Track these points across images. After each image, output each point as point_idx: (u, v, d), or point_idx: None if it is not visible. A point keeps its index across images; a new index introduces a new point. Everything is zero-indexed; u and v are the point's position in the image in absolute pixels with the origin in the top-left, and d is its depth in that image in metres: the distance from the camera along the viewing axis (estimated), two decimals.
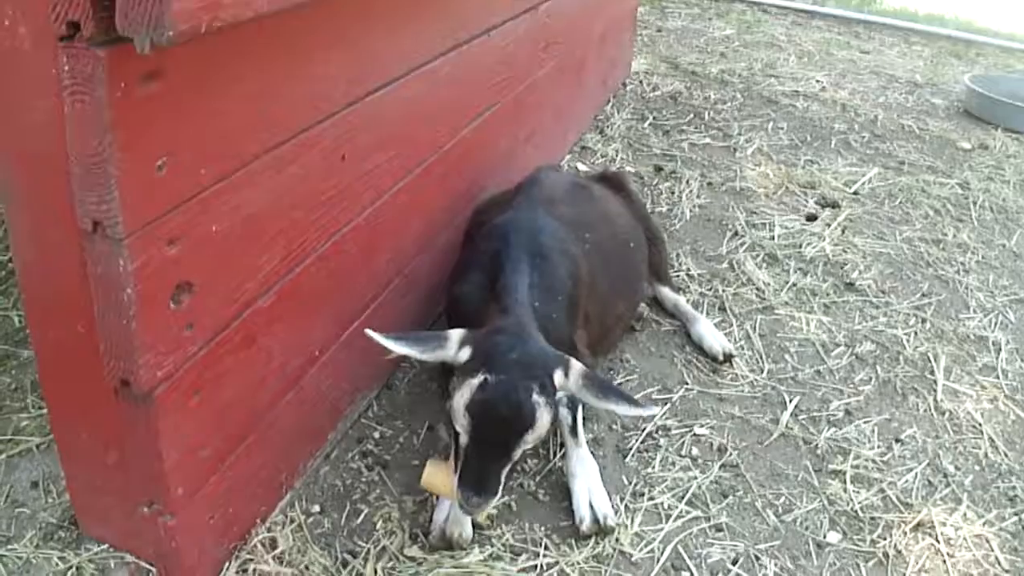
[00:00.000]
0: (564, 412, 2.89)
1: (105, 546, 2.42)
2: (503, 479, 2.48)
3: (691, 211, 4.93)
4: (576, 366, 2.56)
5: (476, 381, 2.41)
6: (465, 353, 2.52)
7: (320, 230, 2.47)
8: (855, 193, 5.41)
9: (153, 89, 1.67)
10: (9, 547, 2.42)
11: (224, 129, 1.94)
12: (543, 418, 2.44)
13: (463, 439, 2.45)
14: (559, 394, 2.54)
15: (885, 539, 2.91)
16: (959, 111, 7.13)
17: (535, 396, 2.42)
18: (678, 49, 7.88)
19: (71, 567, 2.36)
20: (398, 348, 2.48)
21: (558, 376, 2.51)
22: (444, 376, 3.17)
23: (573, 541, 2.77)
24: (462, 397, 2.42)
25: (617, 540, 2.77)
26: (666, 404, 3.39)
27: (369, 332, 2.44)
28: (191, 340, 2.03)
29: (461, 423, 2.43)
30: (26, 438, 2.77)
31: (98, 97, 1.57)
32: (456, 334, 2.56)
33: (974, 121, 6.94)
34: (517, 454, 2.48)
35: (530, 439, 2.45)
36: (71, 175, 1.69)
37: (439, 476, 2.63)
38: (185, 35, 1.44)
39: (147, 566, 2.38)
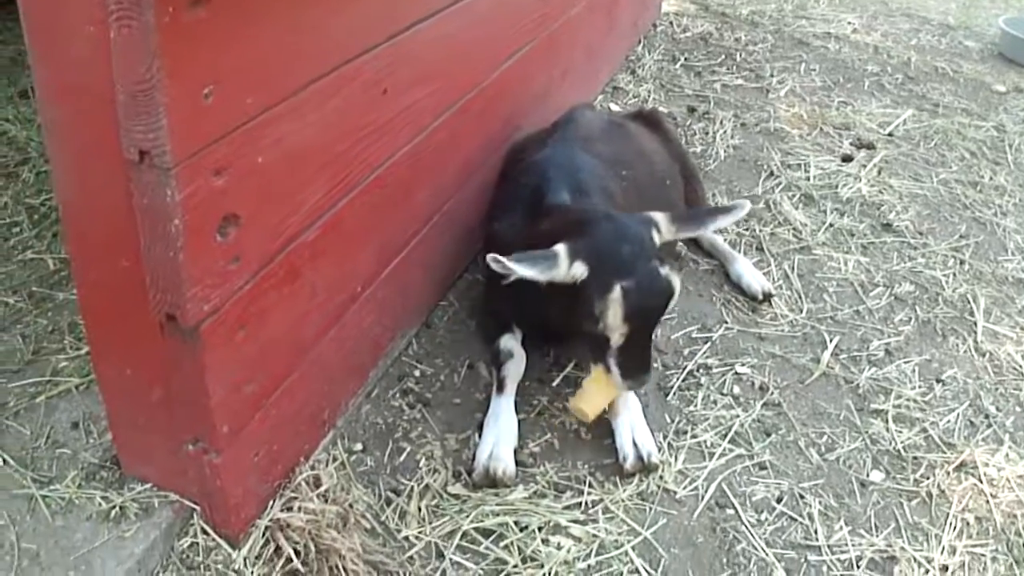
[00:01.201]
0: None
1: (148, 485, 2.40)
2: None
3: (725, 152, 4.89)
4: (660, 218, 2.69)
5: (616, 294, 2.49)
6: (580, 269, 2.54)
7: (362, 164, 2.44)
8: (890, 135, 5.34)
9: (200, 15, 1.64)
10: (52, 487, 2.40)
11: (268, 59, 1.90)
12: (677, 282, 2.60)
13: (615, 341, 2.58)
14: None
15: (928, 479, 2.90)
16: (993, 54, 7.03)
17: (662, 271, 2.56)
18: None
19: (114, 506, 2.34)
20: (520, 270, 2.48)
21: (656, 238, 2.64)
22: (483, 314, 3.17)
23: (617, 479, 2.75)
24: (614, 313, 2.50)
25: (661, 478, 2.76)
26: (706, 343, 3.37)
27: (493, 256, 2.46)
28: (237, 274, 2.00)
29: (619, 331, 2.54)
30: (65, 379, 2.76)
31: (145, 22, 1.54)
32: (562, 250, 2.56)
33: (1008, 64, 6.83)
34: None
35: (672, 303, 2.63)
36: (117, 104, 1.66)
37: (591, 391, 2.73)
38: None
39: (191, 505, 2.36)
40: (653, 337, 2.69)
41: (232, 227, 1.93)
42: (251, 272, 2.06)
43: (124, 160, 1.72)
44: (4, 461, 2.47)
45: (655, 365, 2.67)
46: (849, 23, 7.23)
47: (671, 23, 6.72)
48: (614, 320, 2.51)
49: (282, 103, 1.99)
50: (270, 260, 2.12)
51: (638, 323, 2.55)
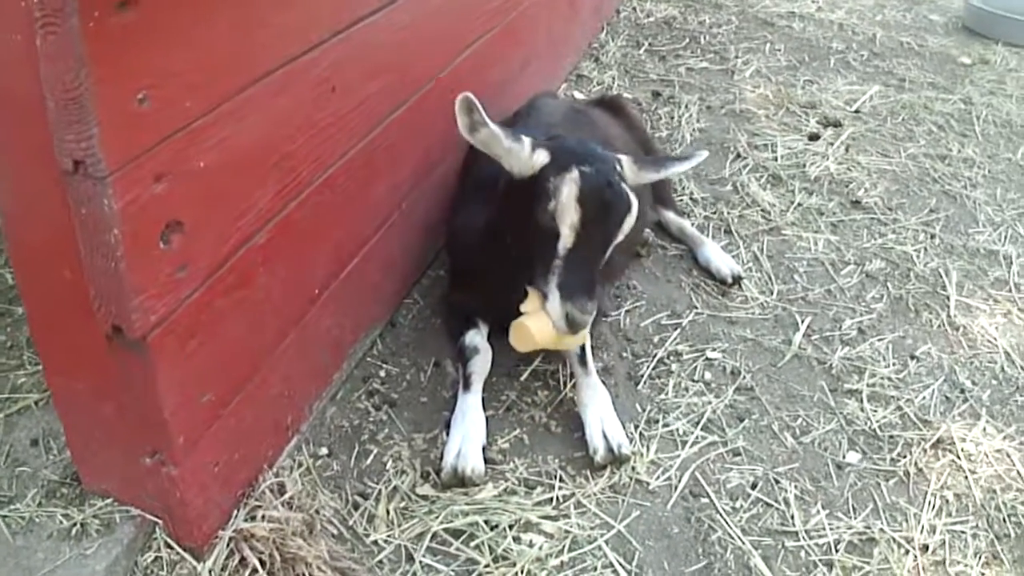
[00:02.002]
0: None
1: (109, 500, 2.36)
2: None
3: (691, 135, 4.85)
4: (625, 157, 2.68)
5: (574, 174, 2.47)
6: (542, 156, 2.55)
7: (313, 163, 2.39)
8: (857, 111, 5.33)
9: (128, 17, 1.59)
10: (11, 507, 2.35)
11: (208, 59, 1.85)
12: (635, 202, 2.55)
13: (564, 242, 2.48)
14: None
15: (905, 457, 2.88)
16: (958, 27, 7.03)
17: (621, 182, 2.54)
18: None
19: (75, 524, 2.29)
20: (493, 127, 2.51)
21: (624, 168, 2.64)
22: (447, 310, 3.14)
23: (588, 472, 2.72)
24: (569, 192, 2.45)
25: (633, 469, 2.73)
26: (676, 330, 3.33)
27: (465, 95, 2.47)
28: (184, 282, 1.95)
29: (570, 220, 2.46)
30: (24, 395, 2.71)
31: (70, 28, 1.49)
32: (527, 139, 2.57)
33: (973, 36, 6.84)
34: (610, 249, 2.56)
35: (627, 226, 2.54)
36: (48, 113, 1.61)
37: (530, 322, 2.58)
38: None
39: (153, 519, 2.32)
40: (599, 269, 2.58)
41: (176, 234, 1.88)
42: (199, 279, 2.01)
43: (60, 170, 1.67)
44: None
45: (607, 314, 2.55)
46: (813, 1, 7.20)
47: (634, 8, 6.69)
48: (567, 201, 2.45)
49: (224, 104, 1.93)
50: (219, 266, 2.07)
51: (592, 222, 2.47)
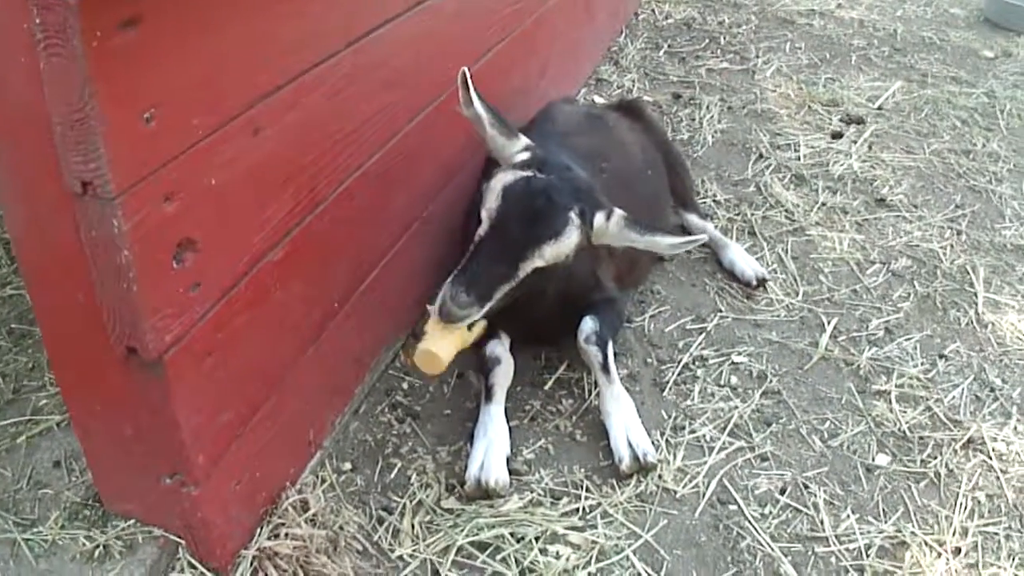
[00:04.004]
0: (594, 350, 2.82)
1: (131, 522, 2.35)
2: (496, 295, 2.45)
3: (713, 136, 4.82)
4: (618, 213, 2.60)
5: (525, 173, 2.49)
6: (523, 154, 2.58)
7: (329, 177, 2.37)
8: (879, 108, 5.29)
9: (132, 36, 1.57)
10: (34, 530, 2.35)
11: (215, 76, 1.84)
12: (569, 236, 2.47)
13: (482, 229, 2.48)
14: (597, 236, 2.59)
15: (935, 458, 2.85)
16: (979, 19, 6.98)
17: (572, 213, 2.48)
18: None
19: (98, 546, 2.29)
20: (484, 114, 2.59)
21: (599, 218, 2.57)
22: None
23: (614, 481, 2.70)
24: (505, 177, 2.48)
25: (660, 477, 2.70)
26: (701, 334, 3.30)
27: (463, 69, 2.54)
28: (199, 300, 1.94)
29: (490, 203, 2.47)
30: (45, 417, 2.70)
31: (73, 49, 1.48)
32: (524, 138, 2.62)
33: (995, 29, 6.79)
34: (525, 267, 2.46)
35: (547, 252, 2.45)
36: (55, 135, 1.60)
37: (432, 331, 2.50)
38: None
39: (176, 539, 2.31)
40: (509, 283, 2.48)
41: (189, 252, 1.86)
42: (214, 297, 1.99)
43: (68, 192, 1.66)
44: None
45: (481, 311, 2.42)
46: None
47: (653, 10, 6.65)
48: (495, 185, 2.50)
49: (234, 120, 1.92)
50: (235, 283, 2.05)
51: (510, 220, 2.45)
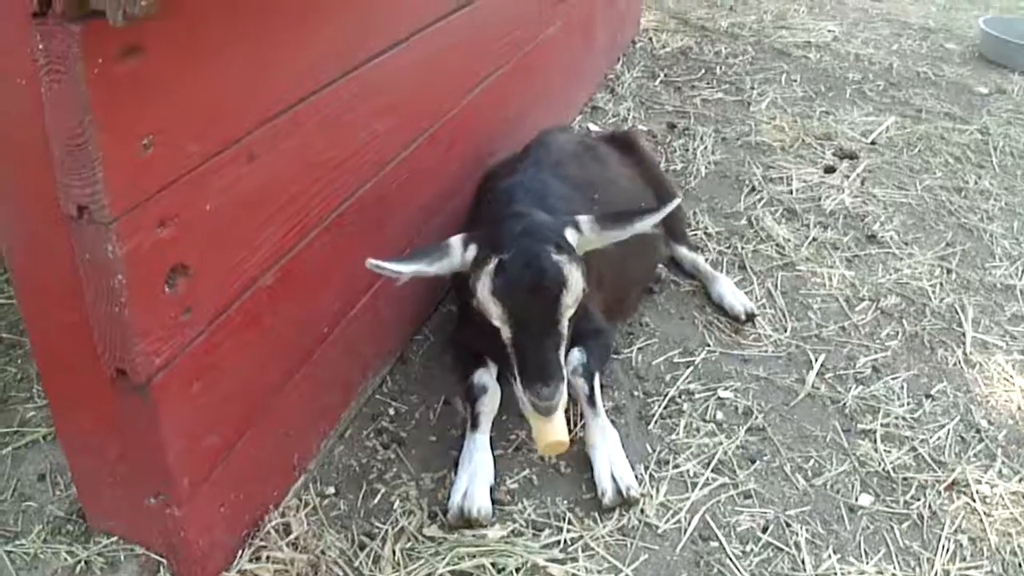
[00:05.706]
0: (581, 382, 2.82)
1: (114, 539, 2.37)
2: (562, 361, 2.50)
3: (706, 168, 4.83)
4: (584, 219, 2.61)
5: (491, 266, 2.43)
6: (472, 251, 2.52)
7: (322, 203, 2.39)
8: (873, 143, 5.31)
9: (133, 65, 1.59)
10: (16, 543, 2.37)
11: (213, 104, 1.86)
12: (572, 274, 2.47)
13: (505, 333, 2.47)
14: (581, 249, 2.58)
15: (919, 500, 2.84)
16: (974, 55, 7.00)
17: (554, 256, 2.46)
18: (686, 4, 7.71)
19: (80, 561, 2.31)
20: (406, 269, 2.45)
21: (570, 234, 2.57)
22: (456, 348, 3.12)
23: (597, 514, 2.69)
24: (484, 287, 2.43)
25: (642, 511, 2.70)
26: (688, 368, 3.31)
27: (371, 261, 2.37)
28: (189, 325, 1.95)
29: (495, 313, 2.45)
30: (32, 429, 2.71)
31: (75, 75, 1.50)
32: (456, 239, 2.56)
33: (990, 65, 6.81)
34: (564, 324, 2.49)
35: (569, 300, 2.46)
36: (53, 159, 1.61)
37: (542, 426, 2.55)
38: (160, 4, 1.36)
39: (157, 558, 2.32)
40: (562, 343, 2.53)
41: (181, 277, 1.88)
42: (205, 322, 2.01)
43: (64, 215, 1.67)
44: None
45: (563, 379, 2.47)
46: (829, 31, 7.19)
47: (650, 39, 6.68)
48: (484, 297, 2.45)
49: (230, 148, 1.94)
50: (225, 308, 2.07)
51: (521, 308, 2.45)
